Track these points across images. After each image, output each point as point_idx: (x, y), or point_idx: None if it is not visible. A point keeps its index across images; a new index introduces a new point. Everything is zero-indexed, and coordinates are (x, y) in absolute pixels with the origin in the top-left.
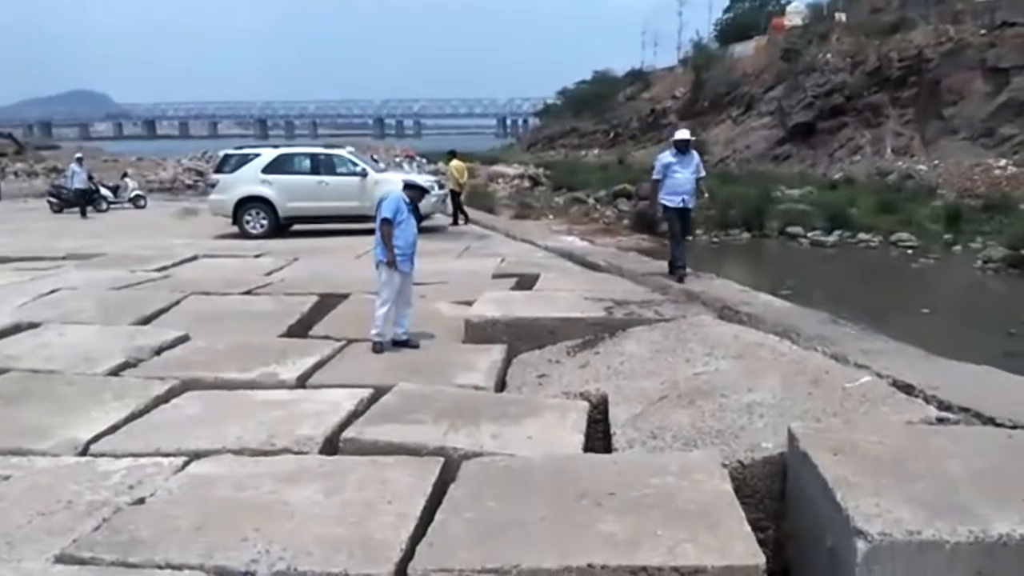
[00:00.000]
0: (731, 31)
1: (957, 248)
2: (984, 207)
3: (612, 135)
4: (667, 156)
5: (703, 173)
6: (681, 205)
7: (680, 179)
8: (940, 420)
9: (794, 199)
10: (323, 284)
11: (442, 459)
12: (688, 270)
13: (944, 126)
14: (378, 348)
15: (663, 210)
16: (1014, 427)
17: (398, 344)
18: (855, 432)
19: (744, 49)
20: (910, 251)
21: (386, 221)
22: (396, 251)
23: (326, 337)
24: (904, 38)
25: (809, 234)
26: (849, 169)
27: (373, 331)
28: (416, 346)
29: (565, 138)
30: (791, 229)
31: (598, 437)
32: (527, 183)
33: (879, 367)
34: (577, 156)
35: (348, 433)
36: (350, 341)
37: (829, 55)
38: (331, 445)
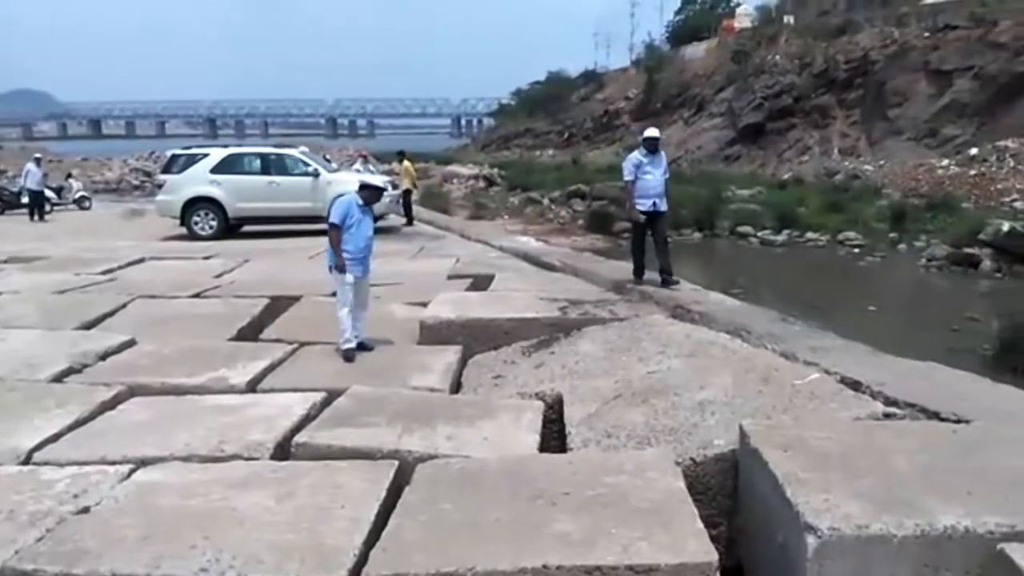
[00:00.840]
0: (682, 33)
1: (902, 247)
2: (928, 206)
3: (566, 135)
4: (637, 156)
5: (667, 173)
6: (652, 208)
7: (651, 180)
8: (887, 416)
9: (744, 199)
10: (274, 286)
11: (396, 462)
12: (644, 277)
13: (889, 127)
14: (349, 356)
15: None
16: (958, 421)
17: (362, 346)
18: (804, 429)
19: (695, 51)
20: (857, 250)
21: (333, 226)
22: (346, 255)
23: (277, 340)
24: (850, 40)
25: (759, 233)
26: (798, 169)
27: (341, 340)
28: (370, 348)
29: (520, 138)
30: (741, 228)
31: (554, 437)
32: (482, 183)
33: (827, 364)
34: (532, 156)
35: (300, 438)
36: (302, 344)
37: (778, 57)
38: (283, 450)
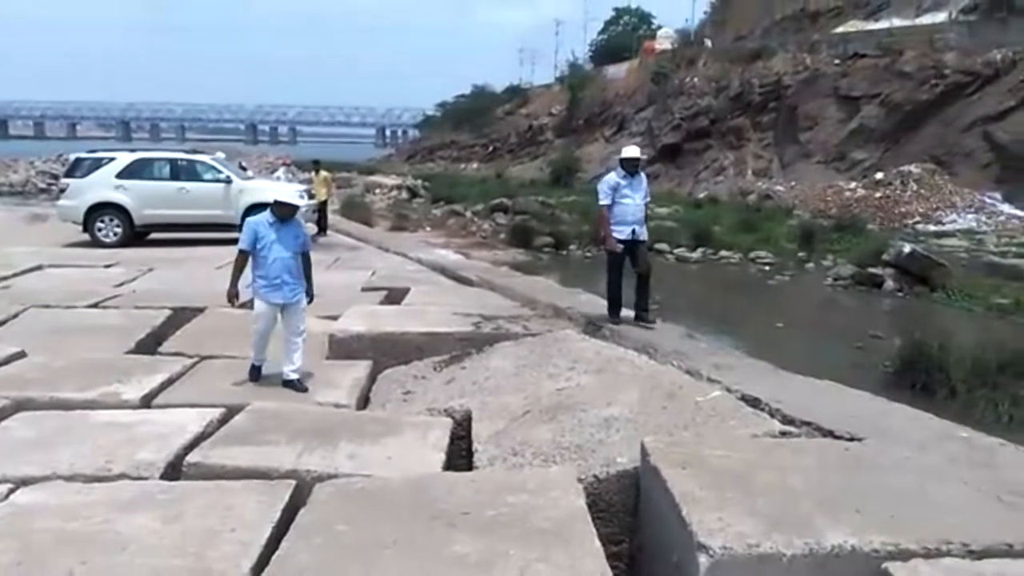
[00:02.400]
0: (605, 53)
1: (810, 265)
2: (835, 227)
3: (491, 149)
4: (614, 177)
5: (649, 197)
6: (631, 237)
7: (630, 205)
8: (783, 434)
9: (662, 217)
10: (178, 297)
11: (294, 482)
12: (654, 317)
13: (800, 150)
14: (254, 375)
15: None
16: (851, 439)
17: (287, 384)
18: (704, 446)
19: (617, 71)
20: (767, 268)
21: (241, 253)
22: (261, 282)
23: (177, 354)
24: (765, 65)
25: (675, 250)
26: (713, 189)
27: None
28: (305, 390)
29: (444, 150)
30: (658, 245)
31: (462, 455)
32: (405, 195)
33: (729, 381)
34: (456, 169)
35: (192, 457)
36: (203, 358)
37: (696, 79)
38: (174, 470)
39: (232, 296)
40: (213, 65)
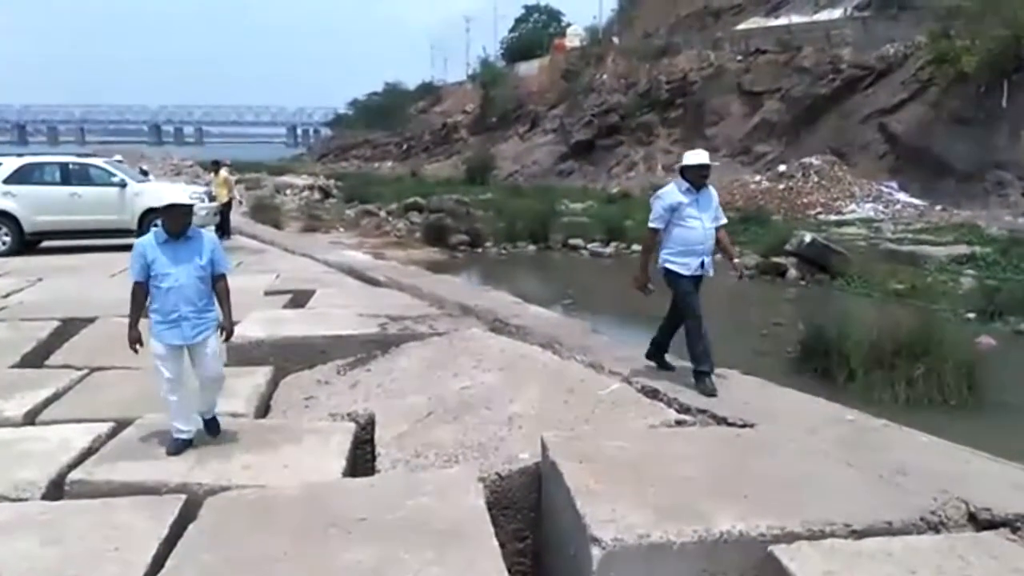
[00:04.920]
0: (516, 50)
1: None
2: (742, 219)
3: (405, 148)
4: (674, 192)
5: (724, 219)
6: (699, 271)
7: (697, 230)
8: (679, 423)
9: (576, 213)
10: (68, 307)
11: (184, 497)
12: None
13: (707, 144)
14: (174, 449)
15: (668, 277)
16: (743, 426)
17: (208, 426)
18: (602, 439)
19: (528, 68)
20: None
21: (136, 284)
22: (156, 316)
23: (65, 366)
24: (671, 62)
25: (589, 245)
26: (625, 184)
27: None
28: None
29: (358, 149)
30: (573, 241)
31: (367, 459)
32: (317, 195)
33: (630, 374)
34: (370, 168)
35: (75, 474)
36: (93, 370)
37: (605, 77)
38: (57, 489)
39: (134, 340)
40: (112, 65)
